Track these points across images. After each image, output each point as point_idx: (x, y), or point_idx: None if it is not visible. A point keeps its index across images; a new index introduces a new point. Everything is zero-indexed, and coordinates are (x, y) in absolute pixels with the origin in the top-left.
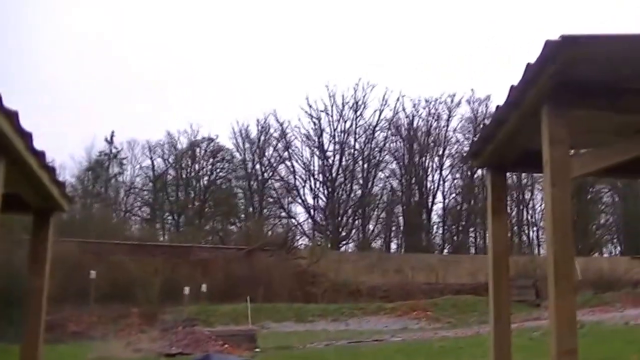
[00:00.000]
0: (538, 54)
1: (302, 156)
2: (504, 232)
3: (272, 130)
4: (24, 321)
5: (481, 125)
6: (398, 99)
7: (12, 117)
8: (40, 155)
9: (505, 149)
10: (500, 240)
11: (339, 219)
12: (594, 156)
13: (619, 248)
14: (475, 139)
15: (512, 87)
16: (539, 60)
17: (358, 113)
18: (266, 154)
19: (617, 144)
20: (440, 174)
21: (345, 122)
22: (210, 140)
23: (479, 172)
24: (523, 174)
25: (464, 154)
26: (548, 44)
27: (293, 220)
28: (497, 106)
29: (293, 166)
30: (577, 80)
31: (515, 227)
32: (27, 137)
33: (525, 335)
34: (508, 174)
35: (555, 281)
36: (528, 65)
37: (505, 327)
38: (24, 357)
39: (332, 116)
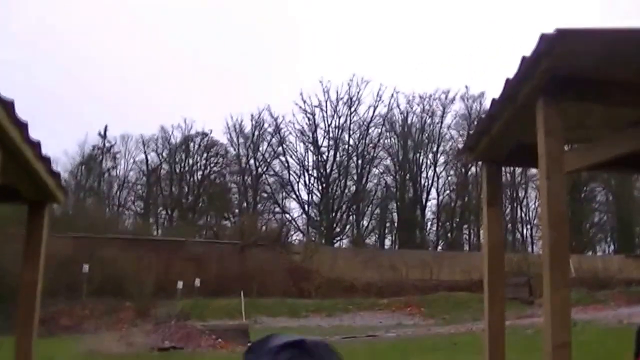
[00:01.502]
0: (533, 48)
1: (296, 151)
2: (498, 226)
3: (266, 125)
4: (18, 313)
5: (475, 122)
6: (392, 95)
7: (8, 106)
8: (36, 146)
9: (501, 143)
10: (495, 234)
11: (333, 214)
12: (589, 150)
13: (612, 247)
14: (471, 132)
15: (507, 80)
16: (535, 54)
17: (352, 109)
18: (260, 149)
19: (612, 138)
20: (435, 170)
21: (340, 117)
22: (204, 135)
23: (473, 169)
24: (517, 172)
25: (459, 149)
26: (543, 37)
27: (287, 216)
28: (493, 100)
29: (287, 161)
30: (573, 73)
31: (509, 225)
32: (23, 127)
33: (519, 332)
34: (502, 171)
35: (550, 273)
36: (523, 58)
37: (500, 320)
38: (18, 350)
39: (326, 112)
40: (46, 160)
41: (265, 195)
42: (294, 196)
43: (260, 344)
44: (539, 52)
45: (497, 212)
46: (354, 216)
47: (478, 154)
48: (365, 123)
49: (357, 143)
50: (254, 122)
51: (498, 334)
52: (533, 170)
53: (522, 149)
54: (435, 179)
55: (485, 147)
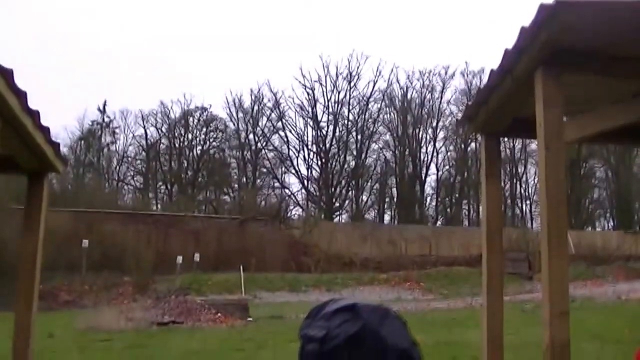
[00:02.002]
0: (532, 18)
1: (295, 126)
2: (497, 197)
3: (265, 100)
4: (18, 284)
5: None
6: (392, 71)
7: (7, 75)
8: (35, 115)
9: (499, 114)
10: (494, 205)
11: (333, 189)
12: (588, 120)
13: (611, 223)
14: (469, 104)
15: (506, 51)
16: (533, 24)
17: (352, 84)
18: (260, 123)
19: (613, 109)
20: (434, 146)
21: (339, 92)
22: (204, 109)
23: (473, 144)
24: (517, 148)
25: (457, 120)
26: (543, 7)
27: (286, 191)
28: (491, 71)
29: (287, 136)
30: (572, 44)
31: (509, 201)
32: (22, 96)
33: (517, 307)
34: (502, 147)
35: (548, 243)
36: (522, 29)
37: (498, 294)
38: (18, 322)
39: (325, 87)
40: (45, 130)
41: (264, 170)
42: (293, 171)
43: (318, 309)
44: (538, 23)
45: (496, 184)
46: (353, 191)
47: (477, 126)
48: (364, 98)
49: (356, 118)
50: (253, 97)
51: (496, 307)
52: (533, 146)
53: (522, 121)
54: (435, 154)
55: (484, 119)
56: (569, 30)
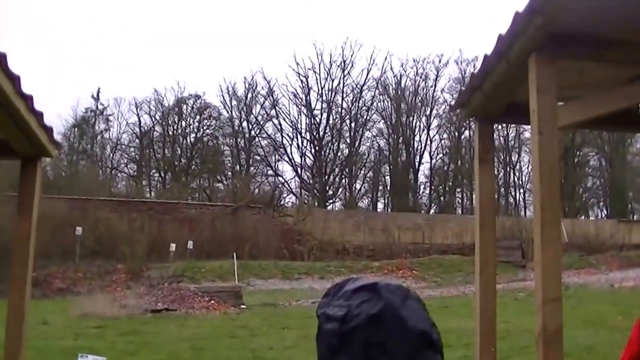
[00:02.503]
0: (526, 3)
1: (289, 114)
2: (490, 182)
3: (259, 88)
4: (11, 268)
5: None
6: (386, 58)
7: (0, 58)
8: (28, 99)
9: (493, 99)
10: (487, 190)
11: (326, 177)
12: (582, 105)
13: (605, 211)
14: (463, 88)
15: (499, 36)
16: (527, 9)
17: (346, 72)
18: (253, 111)
19: (607, 94)
20: (428, 134)
21: (333, 80)
22: (197, 97)
23: (467, 132)
24: (510, 136)
25: (451, 105)
26: None
27: (280, 178)
28: (485, 55)
29: (280, 124)
30: (566, 29)
31: (502, 189)
32: (15, 80)
33: (511, 295)
34: (495, 135)
35: (541, 228)
36: (516, 14)
37: (491, 280)
38: (11, 308)
39: (319, 75)
40: (38, 114)
41: (258, 158)
42: (286, 159)
43: (337, 288)
44: (532, 8)
45: (489, 169)
46: (347, 179)
47: (470, 111)
48: (358, 86)
49: (350, 106)
50: (247, 85)
51: (489, 292)
52: (526, 134)
53: (516, 106)
54: (429, 142)
55: (477, 104)
56: (563, 15)
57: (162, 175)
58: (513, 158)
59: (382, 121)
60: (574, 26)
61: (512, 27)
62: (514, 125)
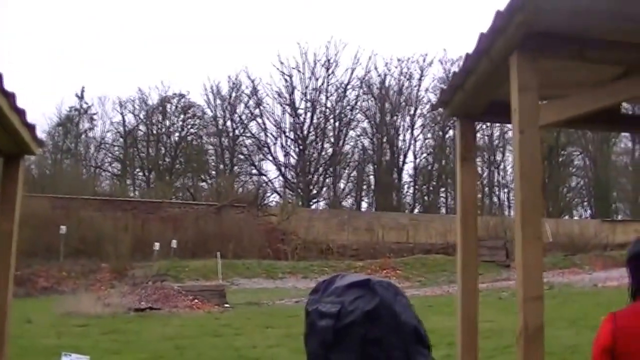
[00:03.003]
0: (507, 2)
1: (273, 113)
2: (472, 181)
3: (243, 87)
4: None
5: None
6: (370, 58)
7: None
8: (10, 97)
9: (475, 98)
10: (469, 189)
11: (310, 176)
12: (563, 104)
13: (589, 211)
14: (444, 87)
15: (481, 35)
16: (508, 8)
17: (330, 71)
18: (237, 110)
19: (589, 93)
20: (412, 133)
21: (317, 80)
22: (181, 96)
23: (451, 132)
24: (495, 135)
25: (432, 104)
26: None
27: (264, 178)
28: (467, 54)
29: (264, 123)
30: (547, 28)
31: (486, 189)
32: None
33: (495, 294)
34: (479, 134)
35: (522, 227)
36: (497, 12)
37: (473, 280)
38: None
39: (303, 74)
40: (21, 112)
41: (242, 157)
42: (270, 158)
43: (326, 284)
44: (513, 6)
45: (471, 167)
46: (331, 178)
47: (453, 109)
48: (342, 85)
49: (334, 105)
50: (231, 84)
51: (471, 291)
52: (510, 134)
53: (497, 105)
54: (413, 142)
55: (459, 102)
56: (544, 14)
57: (146, 174)
58: (497, 157)
59: (366, 120)
60: (554, 25)
61: (493, 26)
62: (498, 124)
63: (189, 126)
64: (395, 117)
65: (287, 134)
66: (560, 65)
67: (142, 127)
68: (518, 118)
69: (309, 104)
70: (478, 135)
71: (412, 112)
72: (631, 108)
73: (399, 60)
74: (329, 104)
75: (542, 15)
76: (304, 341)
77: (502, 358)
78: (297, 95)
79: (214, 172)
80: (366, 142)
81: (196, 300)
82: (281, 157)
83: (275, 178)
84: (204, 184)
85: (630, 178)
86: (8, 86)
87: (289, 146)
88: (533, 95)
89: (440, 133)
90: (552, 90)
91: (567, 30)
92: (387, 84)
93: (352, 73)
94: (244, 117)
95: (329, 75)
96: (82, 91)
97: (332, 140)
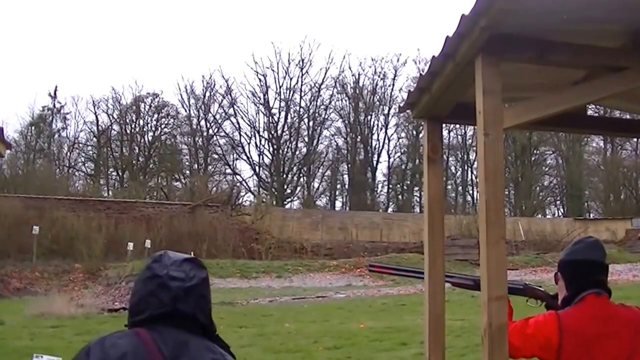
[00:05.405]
0: (473, 5)
1: (247, 113)
2: (438, 181)
3: (217, 87)
4: None
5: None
6: (344, 57)
7: None
8: None
9: (441, 100)
10: (435, 189)
11: (284, 176)
12: (528, 107)
13: (561, 210)
14: (411, 90)
15: (447, 38)
16: (473, 12)
17: (304, 71)
18: (211, 110)
19: (551, 96)
20: (386, 132)
21: (291, 79)
22: (155, 95)
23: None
24: (468, 134)
25: (400, 106)
26: None
27: (238, 177)
28: (433, 57)
29: (238, 123)
30: (510, 31)
31: (460, 188)
32: None
33: (467, 293)
34: (453, 133)
35: (486, 229)
36: (462, 16)
37: (439, 278)
38: None
39: (277, 73)
40: None
41: (216, 156)
42: (244, 157)
43: (160, 257)
44: (477, 9)
45: (437, 168)
46: (305, 178)
47: (419, 111)
48: (316, 85)
49: (308, 105)
50: (205, 84)
51: (437, 290)
52: None
53: (463, 107)
54: (387, 141)
55: (425, 104)
56: (508, 17)
57: (120, 174)
58: (471, 156)
59: (340, 120)
60: (518, 29)
61: (458, 29)
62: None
63: (163, 125)
64: (369, 117)
65: (261, 133)
66: (524, 68)
67: (115, 127)
68: (482, 120)
69: (283, 104)
70: (452, 134)
71: (386, 111)
72: (598, 110)
73: (373, 59)
74: (303, 104)
75: (505, 19)
76: (138, 289)
77: (473, 356)
78: (271, 94)
79: (187, 172)
80: (340, 141)
81: None
82: (255, 157)
83: (249, 177)
84: (177, 183)
85: (601, 177)
86: None
87: (263, 146)
88: (497, 98)
89: (414, 132)
90: (518, 92)
91: (529, 33)
92: (361, 83)
93: (326, 72)
94: (218, 116)
95: (303, 74)
96: (55, 90)
97: (306, 139)
